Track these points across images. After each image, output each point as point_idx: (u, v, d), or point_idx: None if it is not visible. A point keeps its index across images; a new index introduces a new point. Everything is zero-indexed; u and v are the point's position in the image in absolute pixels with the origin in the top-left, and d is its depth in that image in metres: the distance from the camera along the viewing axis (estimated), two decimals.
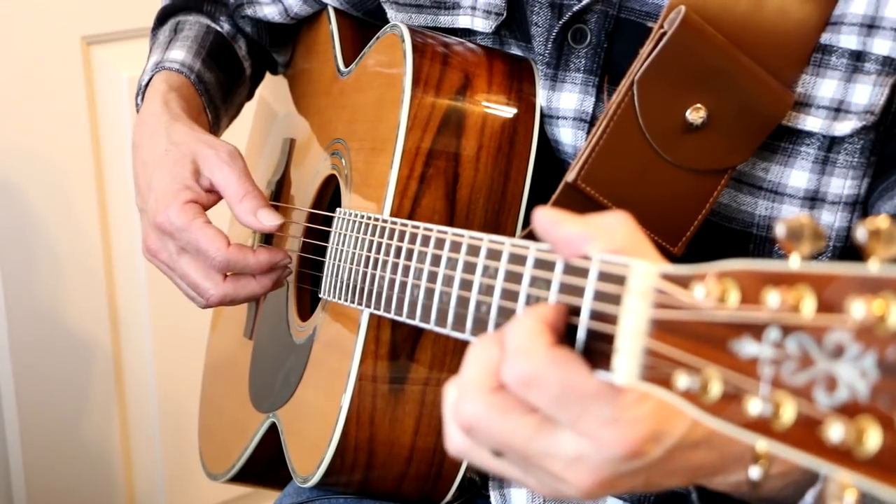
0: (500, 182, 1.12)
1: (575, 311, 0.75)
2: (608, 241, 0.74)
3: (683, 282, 0.66)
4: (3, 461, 2.14)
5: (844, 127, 1.03)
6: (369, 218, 1.12)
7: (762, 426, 0.60)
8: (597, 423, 0.70)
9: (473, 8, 1.19)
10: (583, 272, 0.74)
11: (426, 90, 1.13)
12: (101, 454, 2.25)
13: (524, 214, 1.13)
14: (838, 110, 1.03)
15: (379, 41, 1.23)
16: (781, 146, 1.05)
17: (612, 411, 0.70)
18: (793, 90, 1.02)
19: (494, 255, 0.85)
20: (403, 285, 1.01)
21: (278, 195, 1.47)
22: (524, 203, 1.13)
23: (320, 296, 1.25)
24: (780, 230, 0.61)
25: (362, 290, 1.11)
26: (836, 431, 0.57)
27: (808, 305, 0.59)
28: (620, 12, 1.10)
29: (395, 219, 1.07)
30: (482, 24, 1.19)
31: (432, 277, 0.95)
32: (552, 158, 1.15)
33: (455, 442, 0.77)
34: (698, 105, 1.01)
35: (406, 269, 1.01)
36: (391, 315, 1.04)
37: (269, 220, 1.23)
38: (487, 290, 0.85)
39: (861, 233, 0.57)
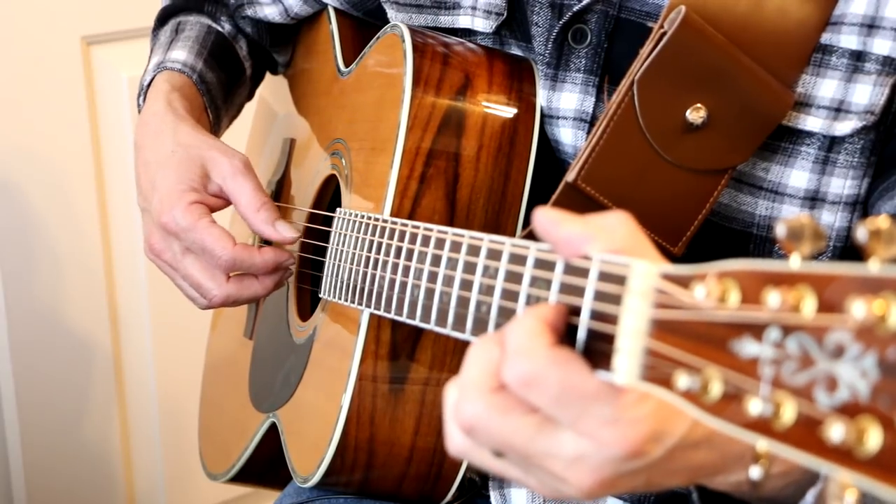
0: (500, 182, 1.12)
1: (575, 311, 0.75)
2: (608, 241, 0.74)
3: (684, 282, 0.66)
4: (3, 461, 2.14)
5: (845, 127, 1.03)
6: (369, 218, 1.12)
7: (763, 426, 0.60)
8: (597, 423, 0.71)
9: (474, 8, 1.19)
10: (583, 272, 0.74)
11: (426, 90, 1.13)
12: (101, 454, 2.25)
13: (524, 214, 1.13)
14: (838, 110, 1.03)
15: (379, 41, 1.23)
16: (782, 146, 1.05)
17: (612, 411, 0.70)
18: (793, 90, 1.02)
19: (495, 255, 0.85)
20: (404, 285, 1.01)
21: (278, 195, 1.47)
22: (524, 203, 1.13)
23: (320, 296, 1.25)
24: (780, 230, 0.61)
25: (362, 290, 1.11)
26: (836, 431, 0.57)
27: (809, 305, 0.59)
28: (621, 12, 1.10)
29: (395, 219, 1.07)
30: (482, 24, 1.19)
31: (432, 277, 0.95)
32: (552, 158, 1.15)
33: (456, 442, 0.77)
34: (698, 105, 1.01)
35: (406, 269, 1.01)
36: (391, 315, 1.04)
37: (286, 232, 1.24)
38: (488, 290, 0.85)
39: (861, 233, 0.57)
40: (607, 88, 1.10)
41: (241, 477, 1.44)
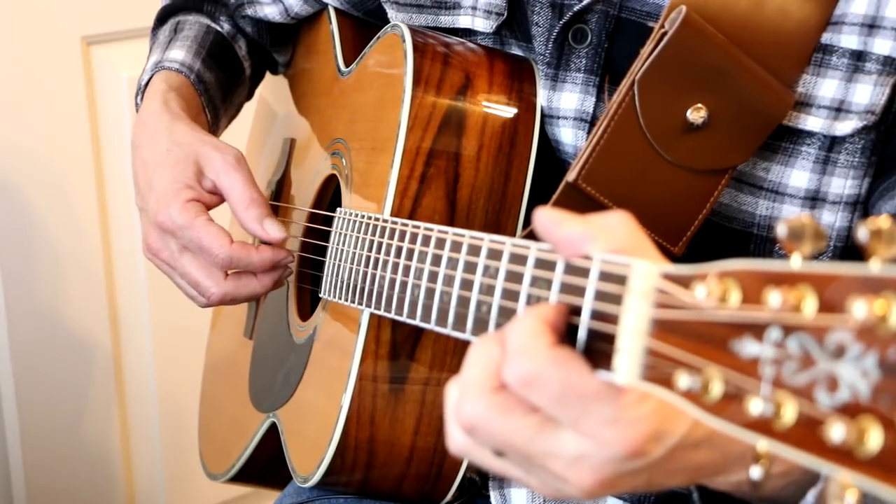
0: (500, 182, 1.12)
1: (576, 311, 0.75)
2: (609, 241, 0.74)
3: (684, 282, 0.66)
4: (3, 461, 2.14)
5: (845, 127, 1.03)
6: (370, 218, 1.12)
7: (763, 426, 0.60)
8: (598, 422, 0.71)
9: (474, 8, 1.19)
10: (584, 272, 0.74)
11: (427, 90, 1.13)
12: (101, 454, 2.25)
13: (525, 214, 1.13)
14: (839, 110, 1.03)
15: (379, 41, 1.23)
16: (782, 146, 1.05)
17: (613, 411, 0.70)
18: (793, 90, 1.02)
19: (495, 254, 0.85)
20: (404, 285, 1.01)
21: (278, 195, 1.47)
22: (525, 203, 1.13)
23: (320, 295, 1.25)
24: (781, 230, 0.61)
25: (363, 289, 1.11)
26: (837, 431, 0.57)
27: (810, 305, 0.59)
28: (621, 12, 1.10)
29: (395, 219, 1.07)
30: (483, 24, 1.19)
31: (433, 277, 0.95)
32: (553, 158, 1.15)
33: (456, 441, 0.77)
34: (699, 105, 1.01)
35: (406, 269, 1.01)
36: (391, 315, 1.04)
37: (273, 231, 1.23)
38: (488, 290, 0.85)
39: (862, 233, 0.57)
40: (608, 88, 1.10)
41: (241, 477, 1.44)
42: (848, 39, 1.01)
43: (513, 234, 1.12)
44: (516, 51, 1.19)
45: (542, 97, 1.14)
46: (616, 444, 0.70)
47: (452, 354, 1.13)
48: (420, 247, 1.00)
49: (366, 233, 1.12)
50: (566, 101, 1.13)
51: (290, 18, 1.46)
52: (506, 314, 0.83)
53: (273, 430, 1.32)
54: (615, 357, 0.70)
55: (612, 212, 0.76)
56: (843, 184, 1.05)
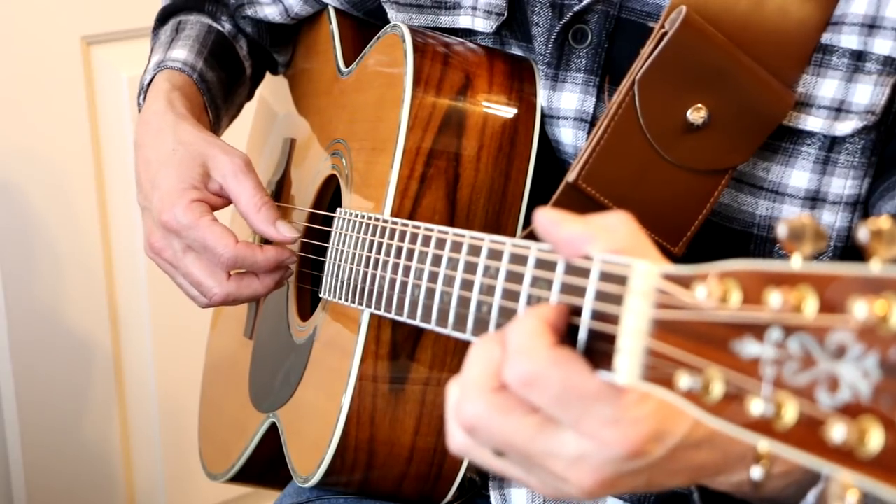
0: (500, 182, 1.12)
1: (576, 312, 0.75)
2: (609, 241, 0.74)
3: (685, 282, 0.67)
4: (3, 461, 2.14)
5: (845, 127, 1.03)
6: (370, 218, 1.12)
7: (764, 426, 0.60)
8: (598, 422, 0.71)
9: (474, 8, 1.19)
10: (584, 272, 0.74)
11: (427, 90, 1.13)
12: (101, 454, 2.25)
13: (525, 214, 1.13)
14: (839, 110, 1.03)
15: (380, 41, 1.23)
16: (782, 146, 1.05)
17: (613, 411, 0.70)
18: (794, 90, 1.02)
19: (495, 255, 0.85)
20: (404, 285, 1.01)
21: (278, 195, 1.47)
22: (525, 203, 1.13)
23: (320, 296, 1.25)
24: (781, 230, 0.61)
25: (363, 290, 1.11)
26: (838, 432, 0.57)
27: (810, 306, 0.59)
28: (621, 12, 1.10)
29: (395, 219, 1.07)
30: (483, 25, 1.19)
31: (433, 277, 0.95)
32: (553, 158, 1.15)
33: (457, 441, 0.77)
34: (699, 105, 1.01)
35: (407, 270, 1.01)
36: (392, 315, 1.04)
37: (287, 232, 1.24)
38: (489, 291, 0.85)
39: (863, 233, 0.57)
40: (608, 88, 1.10)
41: (241, 477, 1.44)
42: (848, 39, 1.01)
43: (513, 234, 1.12)
44: (516, 51, 1.19)
45: (543, 97, 1.14)
46: (616, 444, 0.70)
47: (452, 355, 1.13)
48: (420, 247, 1.00)
49: (366, 233, 1.12)
50: (566, 102, 1.13)
51: (291, 19, 1.46)
52: (506, 314, 0.83)
53: (273, 431, 1.32)
54: (616, 357, 0.70)
55: (613, 212, 0.76)
56: (843, 184, 1.05)
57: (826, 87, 1.03)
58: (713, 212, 1.05)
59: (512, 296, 0.82)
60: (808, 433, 0.58)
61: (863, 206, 1.06)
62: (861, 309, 0.55)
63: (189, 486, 2.35)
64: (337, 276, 1.18)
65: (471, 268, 0.88)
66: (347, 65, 1.33)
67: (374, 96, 1.22)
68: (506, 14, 1.17)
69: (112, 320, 2.21)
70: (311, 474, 1.17)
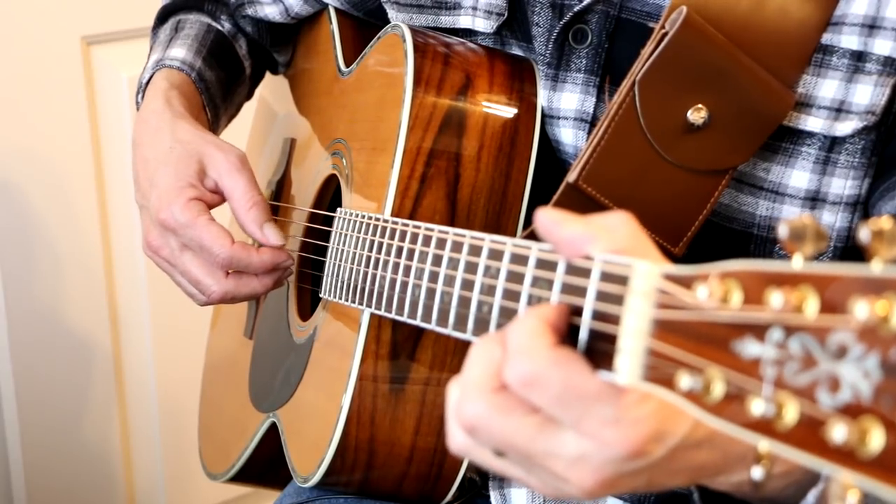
0: (501, 182, 1.12)
1: (577, 312, 0.75)
2: (610, 242, 0.74)
3: (686, 282, 0.67)
4: (3, 461, 2.14)
5: (845, 127, 1.03)
6: (370, 218, 1.12)
7: (765, 426, 0.60)
8: (599, 423, 0.71)
9: (474, 8, 1.19)
10: (585, 272, 0.74)
11: (427, 90, 1.13)
12: (101, 454, 2.25)
13: (525, 215, 1.13)
14: (839, 111, 1.03)
15: (380, 41, 1.23)
16: (782, 146, 1.05)
17: (614, 411, 0.70)
18: (794, 90, 1.03)
19: (496, 255, 0.85)
20: (404, 285, 1.01)
21: (279, 195, 1.47)
22: (525, 203, 1.13)
23: (321, 295, 1.25)
24: (782, 231, 0.61)
25: (363, 289, 1.11)
26: (838, 432, 0.57)
27: (811, 306, 0.59)
28: (621, 12, 1.10)
29: (395, 219, 1.08)
30: (483, 25, 1.19)
31: (433, 277, 0.95)
32: (553, 159, 1.15)
33: (457, 441, 0.77)
34: (699, 105, 1.01)
35: (407, 269, 1.01)
36: (392, 315, 1.04)
37: (272, 236, 1.24)
38: (489, 291, 0.85)
39: (864, 233, 0.57)
40: (608, 89, 1.10)
41: (241, 477, 1.44)
42: (848, 40, 1.01)
43: (513, 234, 1.12)
44: (517, 51, 1.19)
45: (543, 97, 1.14)
46: (617, 444, 0.70)
47: (453, 355, 1.13)
48: (421, 247, 1.00)
49: (366, 233, 1.12)
50: (566, 102, 1.13)
51: (291, 18, 1.46)
52: (507, 314, 0.83)
53: (273, 430, 1.32)
54: (616, 357, 0.70)
55: (613, 212, 0.76)
56: (843, 184, 1.05)
57: (826, 87, 1.03)
58: (713, 212, 1.05)
59: (512, 296, 0.82)
60: (808, 433, 0.58)
61: (863, 207, 1.06)
62: (862, 309, 0.56)
63: (189, 486, 2.35)
64: (337, 275, 1.18)
65: (471, 268, 0.88)
66: (348, 65, 1.33)
67: (374, 96, 1.22)
68: (506, 14, 1.17)
69: (112, 320, 2.21)
70: (311, 474, 1.17)
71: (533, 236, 0.81)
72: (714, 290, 0.63)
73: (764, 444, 0.61)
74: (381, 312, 1.07)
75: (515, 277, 0.82)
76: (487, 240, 0.87)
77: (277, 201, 1.46)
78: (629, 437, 0.70)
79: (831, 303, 0.58)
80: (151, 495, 2.33)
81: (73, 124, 2.09)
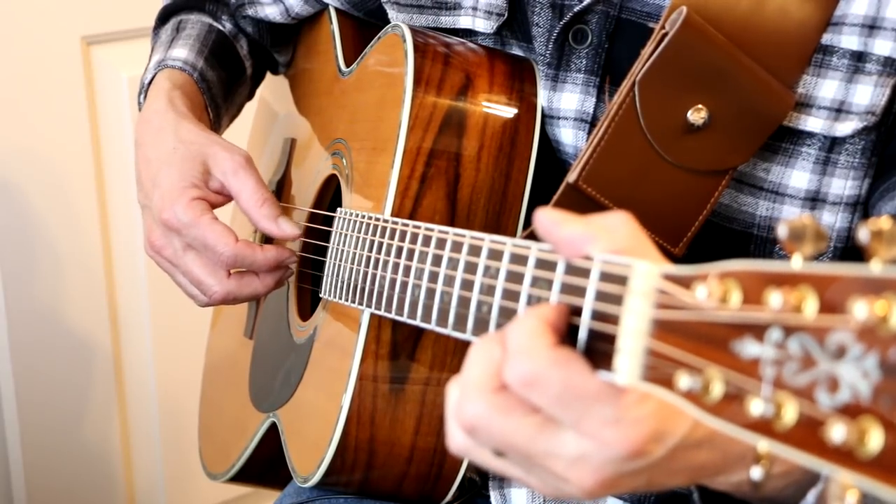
0: (501, 182, 1.12)
1: (576, 312, 0.75)
2: (610, 242, 0.74)
3: (685, 282, 0.67)
4: (3, 461, 2.14)
5: (845, 127, 1.03)
6: (370, 218, 1.12)
7: (764, 427, 0.60)
8: (599, 423, 0.71)
9: (474, 8, 1.20)
10: (584, 272, 0.74)
11: (427, 90, 1.13)
12: (101, 454, 2.25)
13: (525, 215, 1.13)
14: (839, 111, 1.03)
15: (380, 41, 1.23)
16: (782, 147, 1.05)
17: (614, 411, 0.70)
18: (794, 91, 1.03)
19: (496, 255, 0.85)
20: (404, 285, 1.01)
21: (279, 195, 1.47)
22: (525, 203, 1.13)
23: (321, 295, 1.25)
24: (782, 231, 0.61)
25: (363, 289, 1.11)
26: (837, 432, 0.57)
27: (810, 306, 0.59)
28: (621, 13, 1.10)
29: (395, 219, 1.08)
30: (483, 25, 1.19)
31: (433, 277, 0.95)
32: (553, 159, 1.15)
33: (457, 441, 0.77)
34: (699, 106, 1.01)
35: (407, 269, 1.02)
36: (392, 315, 1.04)
37: (289, 228, 1.24)
38: (489, 291, 0.85)
39: (863, 234, 0.57)
40: (608, 89, 1.10)
41: (241, 477, 1.44)
42: (848, 40, 1.01)
43: (513, 234, 1.12)
44: (517, 51, 1.19)
45: (543, 97, 1.14)
46: (617, 444, 0.70)
47: (453, 355, 1.13)
48: (420, 247, 1.00)
49: (366, 233, 1.12)
50: (566, 102, 1.13)
51: (291, 19, 1.46)
52: (506, 314, 0.83)
53: (273, 430, 1.32)
54: (616, 357, 0.70)
55: (613, 212, 0.76)
56: (843, 184, 1.05)
57: (826, 87, 1.03)
58: (713, 212, 1.05)
59: (512, 296, 0.82)
60: (807, 433, 0.58)
61: (863, 207, 1.06)
62: (861, 309, 0.56)
63: (189, 486, 2.35)
64: (337, 275, 1.18)
65: (471, 268, 0.89)
66: (348, 65, 1.33)
67: (374, 96, 1.22)
68: (506, 14, 1.17)
69: (112, 320, 2.21)
70: (311, 474, 1.17)
71: (533, 236, 0.81)
72: (713, 290, 0.63)
73: (763, 445, 0.61)
74: (381, 312, 1.07)
75: (515, 277, 0.82)
76: (487, 240, 0.87)
77: (278, 201, 1.46)
78: (629, 437, 0.70)
79: (830, 303, 0.58)
80: (151, 495, 2.33)
81: (73, 124, 2.09)
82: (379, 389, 1.13)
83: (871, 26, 1.00)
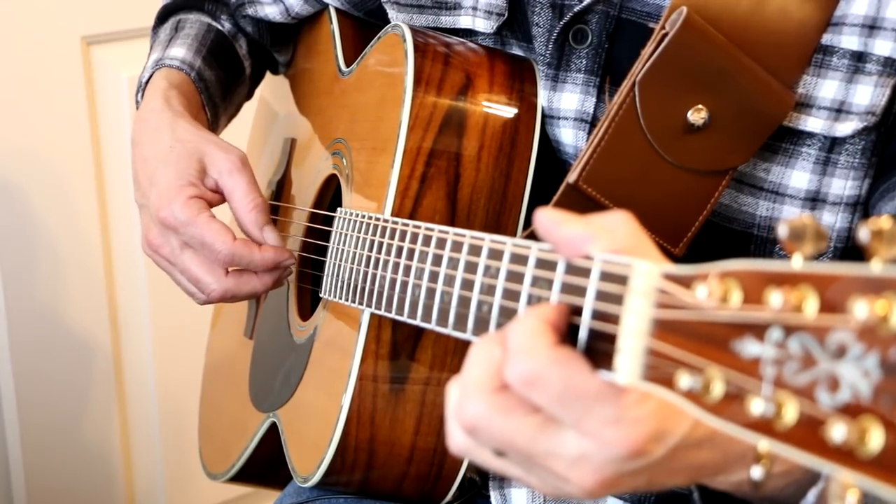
0: (501, 182, 1.12)
1: (577, 311, 0.75)
2: (610, 241, 0.74)
3: (685, 282, 0.67)
4: (3, 461, 2.14)
5: (845, 128, 1.03)
6: (370, 217, 1.12)
7: (764, 426, 0.60)
8: (599, 422, 0.71)
9: (475, 8, 1.20)
10: (585, 272, 0.74)
11: (427, 90, 1.13)
12: (101, 454, 2.25)
13: (525, 215, 1.13)
14: (839, 111, 1.03)
15: (380, 41, 1.23)
16: (782, 147, 1.05)
17: (614, 411, 0.70)
18: (794, 91, 1.03)
19: (496, 254, 0.85)
20: (404, 285, 1.01)
21: (279, 195, 1.47)
22: (525, 203, 1.13)
23: (321, 295, 1.25)
24: (782, 231, 0.61)
25: (363, 289, 1.11)
26: (838, 431, 0.57)
27: (811, 305, 0.59)
28: (621, 13, 1.10)
29: (396, 218, 1.08)
30: (483, 25, 1.19)
31: (433, 277, 0.95)
32: (553, 159, 1.15)
33: (457, 441, 0.77)
34: (700, 106, 1.01)
35: (407, 269, 1.02)
36: (392, 315, 1.04)
37: (271, 240, 1.25)
38: (489, 290, 0.85)
39: (864, 233, 0.57)
40: (608, 89, 1.11)
41: (241, 477, 1.44)
42: (848, 40, 1.01)
43: (513, 234, 1.12)
44: (517, 51, 1.19)
45: (543, 97, 1.14)
46: (617, 443, 0.70)
47: (453, 354, 1.13)
48: (421, 247, 1.00)
49: (366, 233, 1.12)
50: (567, 102, 1.13)
51: (291, 18, 1.46)
52: (507, 314, 0.83)
53: (273, 430, 1.32)
54: (616, 357, 0.70)
55: (613, 212, 0.76)
56: (843, 185, 1.05)
57: (826, 87, 1.03)
58: (713, 212, 1.05)
59: (512, 295, 0.82)
60: (808, 433, 0.58)
61: (863, 207, 1.06)
62: (861, 309, 0.56)
63: (189, 486, 2.35)
64: (337, 275, 1.18)
65: (471, 267, 0.89)
66: (348, 64, 1.33)
67: (374, 96, 1.22)
68: (506, 14, 1.17)
69: (112, 320, 2.21)
70: (312, 474, 1.17)
71: (533, 236, 0.81)
72: (714, 290, 0.63)
73: (763, 444, 0.61)
74: (381, 312, 1.07)
75: (515, 277, 0.82)
76: (487, 239, 0.87)
77: (278, 201, 1.46)
78: (629, 437, 0.70)
79: (831, 302, 0.58)
80: (151, 495, 2.33)
81: (73, 124, 2.09)
82: (379, 389, 1.13)
83: (872, 26, 1.00)
